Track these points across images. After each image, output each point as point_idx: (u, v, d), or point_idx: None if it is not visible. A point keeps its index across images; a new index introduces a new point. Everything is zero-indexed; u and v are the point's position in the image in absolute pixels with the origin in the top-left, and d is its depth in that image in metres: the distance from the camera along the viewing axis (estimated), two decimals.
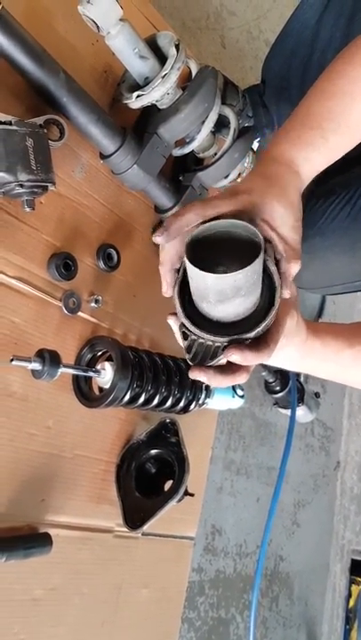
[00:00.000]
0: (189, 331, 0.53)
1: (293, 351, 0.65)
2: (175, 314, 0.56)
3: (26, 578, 0.72)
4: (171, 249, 0.57)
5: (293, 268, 0.55)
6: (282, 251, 0.55)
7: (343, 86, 0.59)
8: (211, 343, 0.52)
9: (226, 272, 0.48)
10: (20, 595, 0.72)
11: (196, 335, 0.53)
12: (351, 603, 1.72)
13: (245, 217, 0.53)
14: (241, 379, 0.56)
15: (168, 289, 0.57)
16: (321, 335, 0.68)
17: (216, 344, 0.52)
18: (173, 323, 0.57)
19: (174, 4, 1.12)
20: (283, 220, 0.55)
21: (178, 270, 0.58)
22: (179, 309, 0.54)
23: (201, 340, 0.53)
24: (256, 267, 0.48)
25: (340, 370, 0.71)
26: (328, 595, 1.61)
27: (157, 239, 0.57)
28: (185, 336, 0.54)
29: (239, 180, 0.97)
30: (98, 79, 0.83)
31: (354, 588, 1.73)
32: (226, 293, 0.49)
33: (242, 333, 0.52)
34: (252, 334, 0.52)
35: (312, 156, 0.59)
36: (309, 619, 1.53)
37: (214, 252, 0.52)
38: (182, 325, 0.54)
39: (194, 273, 0.49)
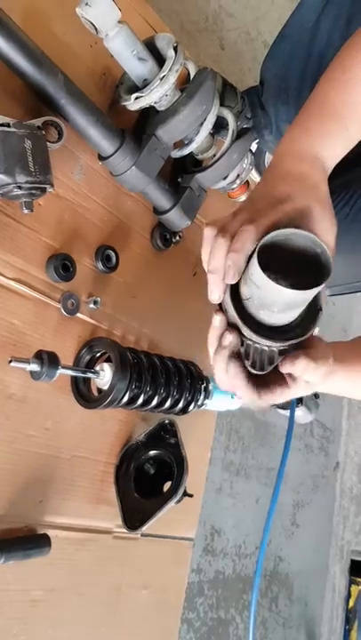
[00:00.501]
0: (246, 337, 0.53)
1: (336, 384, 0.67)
2: (221, 310, 0.56)
3: (25, 579, 0.72)
4: (221, 257, 0.54)
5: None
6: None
7: (357, 74, 0.58)
8: (266, 348, 0.53)
9: (281, 279, 0.48)
10: (20, 596, 0.72)
11: (252, 341, 0.53)
12: (351, 603, 1.73)
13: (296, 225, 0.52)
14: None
15: (220, 294, 0.55)
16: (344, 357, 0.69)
17: (272, 348, 0.53)
18: (220, 321, 0.56)
19: (173, 6, 1.12)
20: (322, 224, 0.54)
21: None
22: (235, 316, 0.53)
23: (257, 345, 0.53)
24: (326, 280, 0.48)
25: None
26: (328, 595, 1.61)
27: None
28: (241, 342, 0.54)
29: (238, 181, 0.97)
30: (96, 81, 0.83)
31: (353, 588, 1.74)
32: (294, 304, 0.50)
33: (296, 338, 0.53)
34: (306, 336, 0.53)
35: (335, 146, 0.58)
36: (309, 619, 1.53)
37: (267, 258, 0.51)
38: (234, 330, 0.54)
39: (266, 284, 0.48)
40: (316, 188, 0.55)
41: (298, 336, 0.53)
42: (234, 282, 0.53)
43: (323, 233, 0.54)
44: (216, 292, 0.55)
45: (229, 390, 0.58)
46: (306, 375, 0.57)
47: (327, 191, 0.56)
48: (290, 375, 0.59)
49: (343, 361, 0.68)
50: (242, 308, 0.54)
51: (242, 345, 0.54)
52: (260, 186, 0.59)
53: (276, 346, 0.53)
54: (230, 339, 0.56)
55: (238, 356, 0.56)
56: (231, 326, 0.56)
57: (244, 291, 0.53)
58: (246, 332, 0.53)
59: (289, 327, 0.54)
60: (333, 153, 0.58)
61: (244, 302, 0.53)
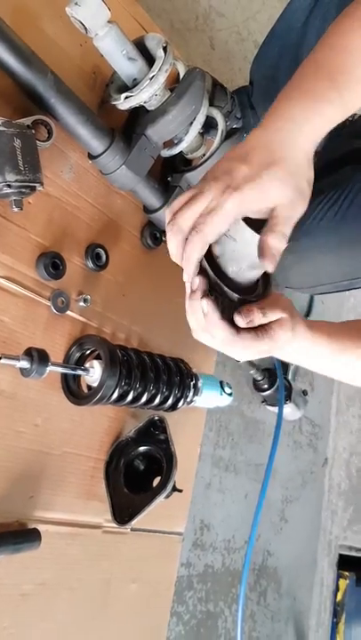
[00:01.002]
0: (216, 291, 0.59)
1: (301, 344, 0.69)
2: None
3: (15, 573, 0.73)
4: (176, 246, 0.58)
5: (275, 241, 0.54)
6: (277, 229, 0.54)
7: (353, 40, 0.57)
8: (236, 299, 0.59)
9: None
10: (10, 589, 0.73)
11: (221, 293, 0.59)
12: (339, 597, 1.75)
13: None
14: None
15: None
16: (325, 332, 0.72)
17: (238, 300, 0.59)
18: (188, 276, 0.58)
19: (163, 5, 1.13)
20: (281, 197, 0.53)
21: None
22: (207, 266, 0.58)
23: (225, 299, 0.59)
24: None
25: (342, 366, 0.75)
26: (316, 589, 1.63)
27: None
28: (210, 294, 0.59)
29: None
30: (86, 80, 0.83)
31: (341, 582, 1.76)
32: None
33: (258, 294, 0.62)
34: (268, 292, 0.62)
35: (327, 111, 0.55)
36: (297, 612, 1.55)
37: None
38: (211, 284, 0.59)
39: (245, 235, 0.55)
40: (284, 160, 0.53)
41: (260, 293, 0.61)
42: (190, 281, 0.58)
43: (283, 210, 0.54)
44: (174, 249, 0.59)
45: (206, 332, 0.61)
46: (257, 320, 0.60)
47: (303, 156, 0.54)
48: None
49: (311, 330, 0.70)
50: (214, 264, 0.59)
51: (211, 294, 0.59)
52: (248, 142, 0.56)
53: (242, 298, 0.59)
54: (200, 280, 0.58)
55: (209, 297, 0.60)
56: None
57: (217, 249, 0.58)
58: (219, 285, 0.58)
59: (252, 289, 0.62)
60: (325, 118, 0.55)
61: (216, 261, 0.59)
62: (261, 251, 0.55)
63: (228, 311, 0.59)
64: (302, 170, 0.54)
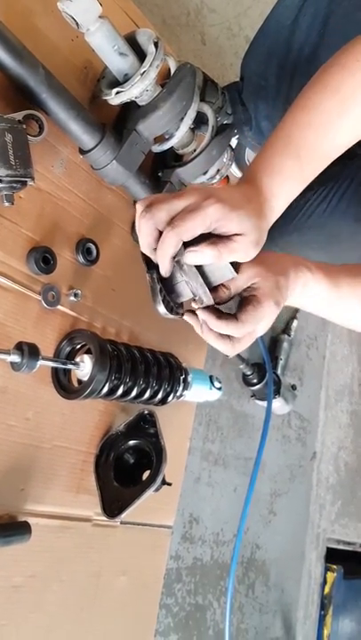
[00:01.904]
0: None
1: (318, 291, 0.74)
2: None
3: (6, 565, 0.73)
4: (147, 235, 0.62)
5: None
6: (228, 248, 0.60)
7: (317, 117, 0.63)
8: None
9: None
10: (1, 581, 0.73)
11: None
12: (326, 589, 1.77)
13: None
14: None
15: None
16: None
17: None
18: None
19: (155, 0, 1.13)
20: (249, 233, 0.60)
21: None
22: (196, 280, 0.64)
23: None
24: None
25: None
26: (304, 582, 1.65)
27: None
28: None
29: (218, 176, 0.99)
30: (77, 75, 0.83)
31: (329, 575, 1.78)
32: None
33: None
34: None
35: (291, 188, 0.64)
36: (285, 605, 1.57)
37: None
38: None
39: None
40: (256, 214, 0.61)
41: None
42: (168, 275, 0.63)
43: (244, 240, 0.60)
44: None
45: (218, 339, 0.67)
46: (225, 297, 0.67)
47: (266, 225, 0.63)
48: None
49: (325, 269, 0.75)
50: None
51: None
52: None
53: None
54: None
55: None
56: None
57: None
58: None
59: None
60: (288, 196, 0.64)
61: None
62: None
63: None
64: (263, 235, 0.62)
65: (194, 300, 0.65)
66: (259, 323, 0.67)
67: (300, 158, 0.63)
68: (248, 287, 0.67)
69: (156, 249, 0.61)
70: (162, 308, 0.64)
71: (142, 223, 0.60)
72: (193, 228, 0.57)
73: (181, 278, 0.64)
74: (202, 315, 0.65)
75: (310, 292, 0.74)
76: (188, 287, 0.64)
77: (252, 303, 0.66)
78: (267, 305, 0.66)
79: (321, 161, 0.64)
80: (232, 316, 0.66)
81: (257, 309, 0.66)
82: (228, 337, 0.66)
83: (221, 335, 0.66)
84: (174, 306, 0.66)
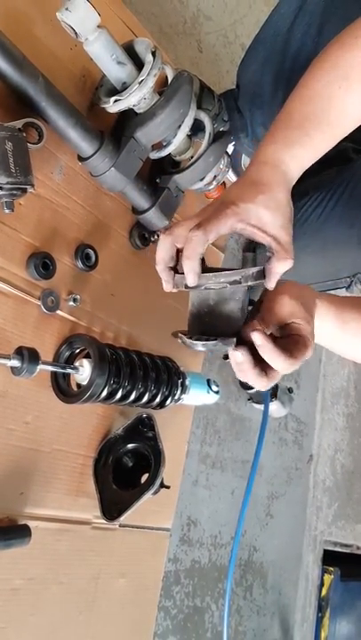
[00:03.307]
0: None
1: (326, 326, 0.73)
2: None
3: (5, 568, 0.74)
4: (164, 250, 0.65)
5: (282, 266, 0.62)
6: (274, 249, 0.61)
7: (319, 90, 0.64)
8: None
9: None
10: (1, 584, 0.74)
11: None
12: (323, 591, 1.78)
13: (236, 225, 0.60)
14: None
15: (167, 285, 0.66)
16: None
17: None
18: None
19: (152, 9, 1.14)
20: (273, 221, 0.60)
21: (172, 268, 0.66)
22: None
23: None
24: None
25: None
26: (301, 584, 1.66)
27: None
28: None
29: (215, 182, 1.00)
30: (76, 83, 0.85)
31: (326, 577, 1.79)
32: None
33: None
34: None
35: (299, 152, 0.64)
36: (283, 607, 1.57)
37: None
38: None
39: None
40: (270, 192, 0.61)
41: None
42: (195, 284, 0.61)
43: (275, 230, 0.61)
44: (164, 284, 0.67)
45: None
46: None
47: (284, 194, 0.62)
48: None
49: (334, 304, 0.74)
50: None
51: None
52: (232, 189, 0.65)
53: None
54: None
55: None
56: None
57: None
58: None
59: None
60: (298, 159, 0.64)
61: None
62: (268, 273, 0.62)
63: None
64: (283, 205, 0.62)
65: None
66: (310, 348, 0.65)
67: (305, 128, 0.63)
68: (290, 324, 0.66)
69: (170, 266, 0.64)
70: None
71: (161, 240, 0.63)
72: (217, 227, 0.59)
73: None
74: (259, 339, 0.60)
75: (317, 330, 0.70)
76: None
77: (303, 344, 0.64)
78: (311, 349, 0.64)
79: (331, 129, 0.64)
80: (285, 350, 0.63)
81: (308, 351, 0.63)
82: (265, 372, 0.63)
83: (261, 372, 0.63)
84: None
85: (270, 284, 0.63)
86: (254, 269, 0.61)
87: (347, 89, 0.63)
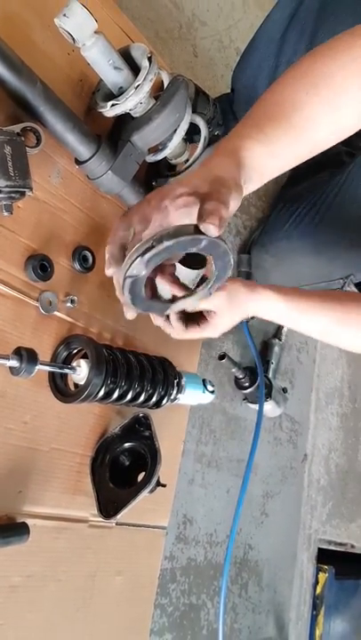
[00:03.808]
0: None
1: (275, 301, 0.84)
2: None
3: (4, 566, 0.75)
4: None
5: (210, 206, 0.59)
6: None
7: (285, 95, 0.64)
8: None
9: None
10: None
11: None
12: (318, 590, 1.79)
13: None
14: None
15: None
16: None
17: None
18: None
19: (148, 14, 1.16)
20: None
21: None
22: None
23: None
24: None
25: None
26: (296, 582, 1.68)
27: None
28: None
29: None
30: (73, 88, 0.86)
31: (321, 575, 1.80)
32: None
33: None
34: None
35: (252, 145, 0.63)
36: (278, 605, 1.59)
37: None
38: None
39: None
40: (219, 176, 0.61)
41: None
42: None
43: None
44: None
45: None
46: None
47: (234, 177, 0.62)
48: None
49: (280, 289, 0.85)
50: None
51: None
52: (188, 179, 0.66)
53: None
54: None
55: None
56: None
57: None
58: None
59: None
60: (252, 151, 0.63)
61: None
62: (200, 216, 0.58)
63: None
64: (233, 191, 0.60)
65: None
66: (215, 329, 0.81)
67: (261, 126, 0.63)
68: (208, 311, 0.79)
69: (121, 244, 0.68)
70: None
71: (116, 222, 0.68)
72: (175, 205, 0.61)
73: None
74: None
75: (272, 315, 0.86)
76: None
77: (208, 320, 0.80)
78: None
79: (294, 132, 0.63)
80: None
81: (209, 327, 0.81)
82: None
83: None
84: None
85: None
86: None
87: (314, 96, 0.62)
